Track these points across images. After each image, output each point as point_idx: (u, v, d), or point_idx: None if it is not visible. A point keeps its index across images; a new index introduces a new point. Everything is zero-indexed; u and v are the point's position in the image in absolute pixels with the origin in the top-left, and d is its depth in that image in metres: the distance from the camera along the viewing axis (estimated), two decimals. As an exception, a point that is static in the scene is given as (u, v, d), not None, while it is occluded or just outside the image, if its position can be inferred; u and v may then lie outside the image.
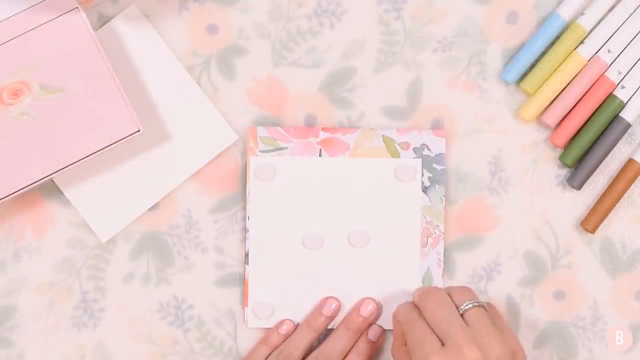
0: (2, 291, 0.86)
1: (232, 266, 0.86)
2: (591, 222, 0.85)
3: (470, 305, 0.76)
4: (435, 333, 0.75)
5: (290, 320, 0.84)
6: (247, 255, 0.85)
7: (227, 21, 0.86)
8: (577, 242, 0.86)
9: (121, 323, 0.86)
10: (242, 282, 0.86)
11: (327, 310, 0.83)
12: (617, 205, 0.85)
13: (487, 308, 0.77)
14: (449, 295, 0.77)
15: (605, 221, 0.85)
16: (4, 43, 0.82)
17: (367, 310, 0.83)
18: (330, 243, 0.85)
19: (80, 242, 0.86)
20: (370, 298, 0.84)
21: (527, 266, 0.86)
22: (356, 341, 0.83)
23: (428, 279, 0.85)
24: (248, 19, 0.86)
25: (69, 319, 0.86)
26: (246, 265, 0.85)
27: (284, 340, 0.83)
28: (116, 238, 0.86)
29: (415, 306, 0.78)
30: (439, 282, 0.85)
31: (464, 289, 0.78)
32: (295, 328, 0.84)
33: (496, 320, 0.78)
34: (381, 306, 0.84)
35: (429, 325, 0.75)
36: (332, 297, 0.84)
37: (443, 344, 0.74)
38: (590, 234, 0.86)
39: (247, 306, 0.85)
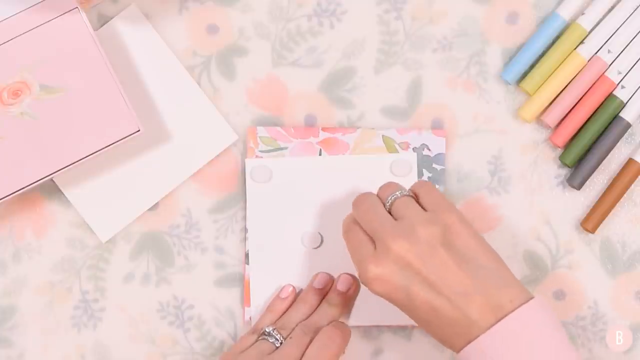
0: (2, 291, 0.86)
1: (232, 266, 0.86)
2: (591, 222, 0.85)
3: (393, 198, 0.76)
4: (368, 237, 0.75)
5: (290, 284, 0.84)
6: (247, 255, 0.85)
7: (227, 21, 0.86)
8: (577, 242, 0.86)
9: (121, 323, 0.86)
10: (242, 282, 0.86)
11: (318, 284, 0.84)
12: (617, 205, 0.85)
13: (415, 193, 0.77)
14: (377, 193, 0.78)
15: (605, 221, 0.85)
16: (4, 43, 0.82)
17: (344, 285, 0.84)
18: (329, 241, 0.85)
19: (80, 242, 0.86)
20: (346, 274, 0.84)
21: (527, 266, 0.86)
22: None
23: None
24: (248, 19, 0.86)
25: (69, 319, 0.86)
26: (246, 265, 0.85)
27: (288, 306, 0.84)
28: (116, 238, 0.86)
29: (352, 216, 0.78)
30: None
31: (388, 185, 0.78)
32: (297, 293, 0.84)
33: (428, 198, 0.76)
34: (358, 281, 0.84)
35: (363, 231, 0.76)
36: (323, 272, 0.84)
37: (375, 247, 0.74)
38: (590, 234, 0.86)
39: (248, 306, 0.85)
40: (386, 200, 0.77)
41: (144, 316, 0.86)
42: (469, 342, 0.71)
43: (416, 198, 0.77)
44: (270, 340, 0.80)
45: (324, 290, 0.84)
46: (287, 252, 0.85)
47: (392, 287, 0.73)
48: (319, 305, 0.84)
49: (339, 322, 0.82)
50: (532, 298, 0.72)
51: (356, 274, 0.84)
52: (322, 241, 0.85)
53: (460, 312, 0.72)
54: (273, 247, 0.85)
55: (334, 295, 0.83)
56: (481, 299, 0.71)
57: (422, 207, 0.76)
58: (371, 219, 0.76)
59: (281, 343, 0.80)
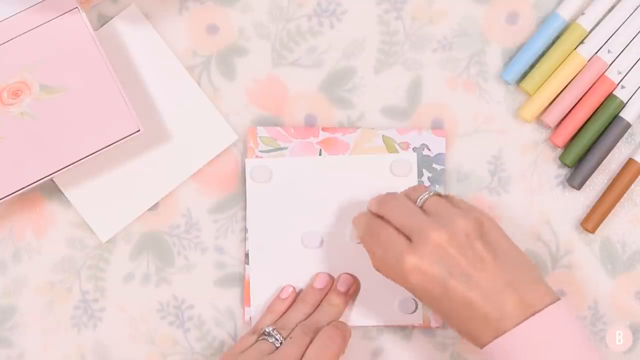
0: (2, 291, 0.86)
1: (232, 266, 0.86)
2: (591, 222, 0.85)
3: (426, 196, 0.77)
4: (400, 233, 0.75)
5: (290, 285, 0.84)
6: (247, 255, 0.85)
7: (227, 21, 0.86)
8: (577, 242, 0.86)
9: (121, 323, 0.86)
10: (242, 282, 0.86)
11: (318, 284, 0.84)
12: (617, 205, 0.85)
13: (443, 195, 0.78)
14: (404, 194, 0.78)
15: (605, 221, 0.85)
16: (4, 43, 0.82)
17: (344, 285, 0.84)
18: (329, 241, 0.85)
19: (80, 242, 0.86)
20: (346, 274, 0.84)
21: (527, 266, 0.86)
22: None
23: (428, 279, 0.85)
24: (248, 19, 0.86)
25: (69, 319, 0.86)
26: (246, 265, 0.85)
27: (288, 306, 0.84)
28: (116, 238, 0.86)
29: (373, 215, 0.78)
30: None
31: (416, 187, 0.79)
32: (297, 294, 0.84)
33: (457, 204, 0.77)
34: (358, 281, 0.84)
35: (392, 227, 0.76)
36: (323, 272, 0.84)
37: (410, 241, 0.74)
38: (590, 234, 0.86)
39: (248, 306, 0.85)
40: (418, 199, 0.77)
41: (144, 316, 0.86)
42: (496, 337, 0.72)
43: None
44: (270, 341, 0.80)
45: (324, 290, 0.84)
46: (287, 252, 0.85)
47: (430, 278, 0.73)
48: (319, 305, 0.84)
49: (339, 322, 0.82)
50: (559, 299, 0.73)
51: (356, 274, 0.85)
52: (322, 241, 0.85)
53: (494, 306, 0.72)
54: (273, 247, 0.85)
55: (334, 295, 0.83)
56: (514, 296, 0.72)
57: None
58: (404, 214, 0.76)
59: (281, 343, 0.80)
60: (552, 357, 0.71)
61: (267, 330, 0.80)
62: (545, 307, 0.72)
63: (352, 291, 0.84)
